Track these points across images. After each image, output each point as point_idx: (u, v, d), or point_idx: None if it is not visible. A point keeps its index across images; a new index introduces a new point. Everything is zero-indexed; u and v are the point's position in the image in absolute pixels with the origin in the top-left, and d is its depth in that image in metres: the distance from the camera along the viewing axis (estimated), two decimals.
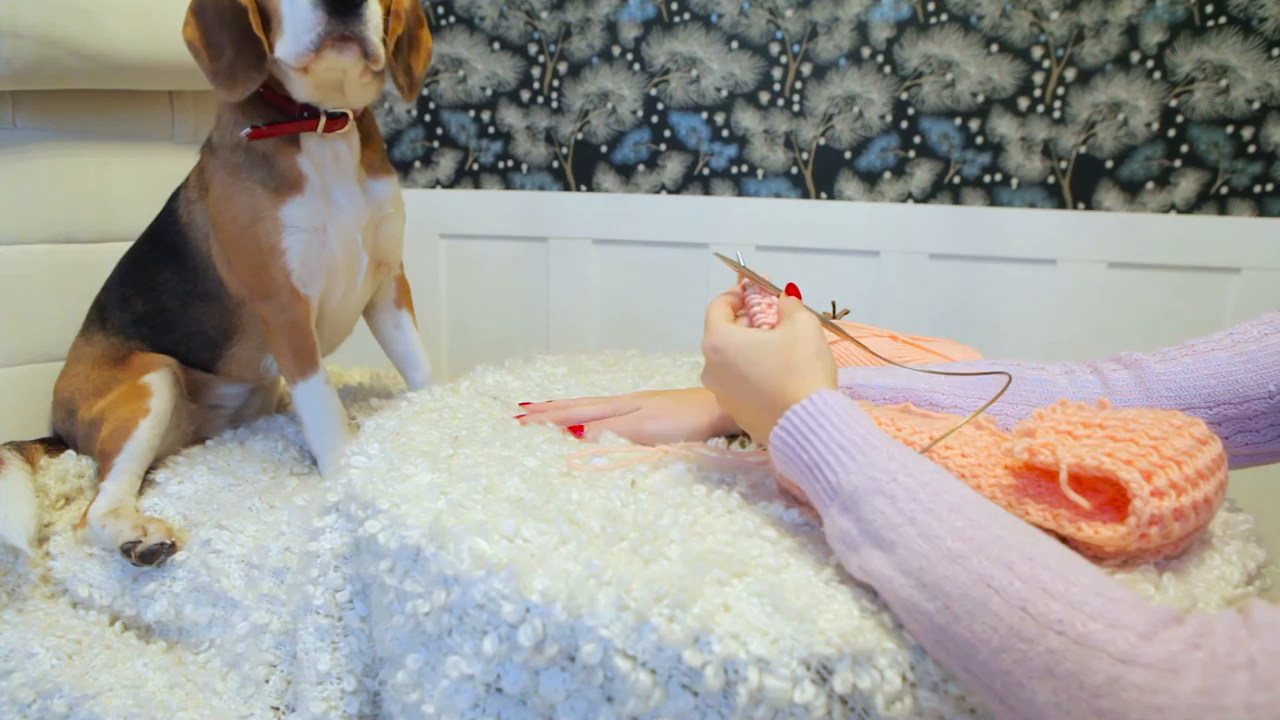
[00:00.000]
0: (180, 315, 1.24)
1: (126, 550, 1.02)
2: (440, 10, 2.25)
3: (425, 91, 2.31)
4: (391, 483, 0.85)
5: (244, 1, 1.04)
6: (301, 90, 1.11)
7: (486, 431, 0.99)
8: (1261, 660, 0.50)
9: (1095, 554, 0.71)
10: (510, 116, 2.27)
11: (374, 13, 1.03)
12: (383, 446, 0.93)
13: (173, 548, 1.03)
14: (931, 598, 0.61)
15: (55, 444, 1.25)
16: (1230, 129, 1.92)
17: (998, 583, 0.58)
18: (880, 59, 2.05)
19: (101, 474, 1.12)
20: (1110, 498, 0.69)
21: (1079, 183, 2.01)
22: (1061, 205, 2.03)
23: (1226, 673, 0.50)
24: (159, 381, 1.18)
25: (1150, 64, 1.93)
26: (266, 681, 0.93)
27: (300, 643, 0.88)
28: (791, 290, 0.89)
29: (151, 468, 1.18)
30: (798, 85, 2.10)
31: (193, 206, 1.20)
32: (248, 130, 1.11)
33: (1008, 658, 0.57)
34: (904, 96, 2.06)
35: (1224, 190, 1.95)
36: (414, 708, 0.76)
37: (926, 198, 2.09)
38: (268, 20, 1.06)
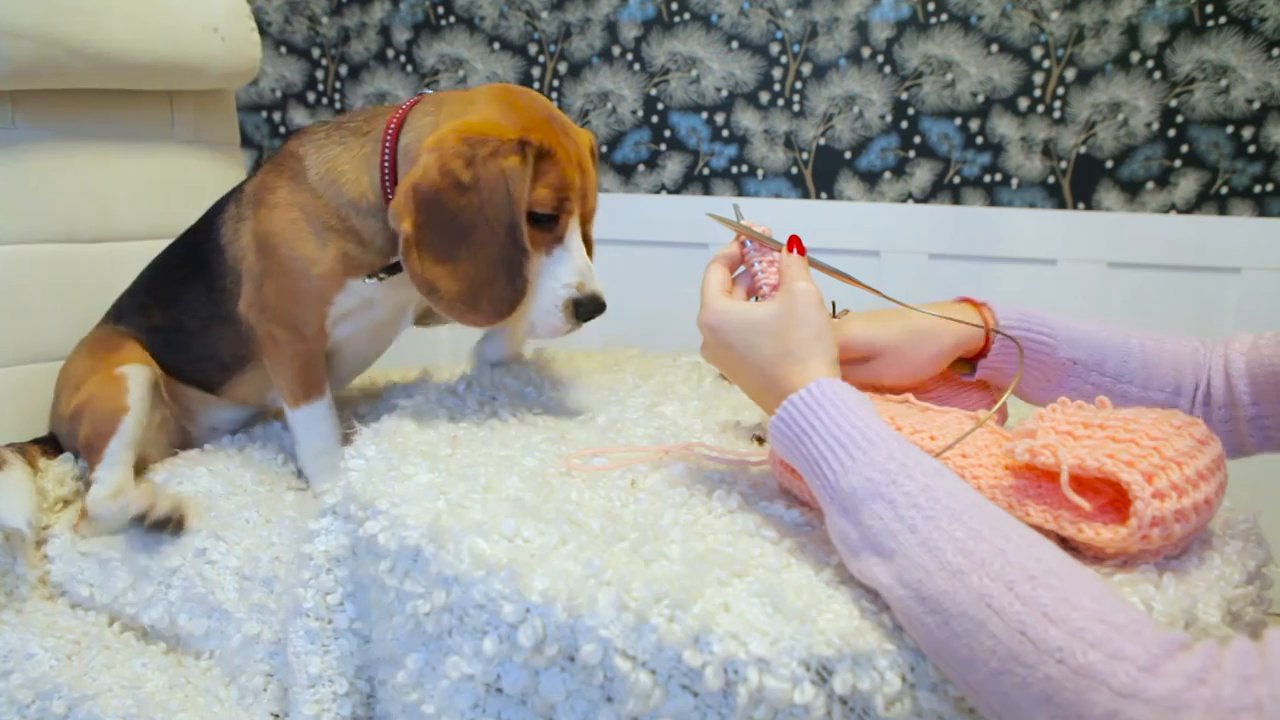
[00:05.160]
0: (198, 336, 1.19)
1: (139, 518, 1.03)
2: (440, 10, 2.25)
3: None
4: (391, 483, 0.85)
5: (525, 244, 0.98)
6: None
7: (485, 431, 0.99)
8: (1269, 705, 0.48)
9: (1096, 554, 0.71)
10: None
11: None
12: (380, 448, 0.93)
13: (181, 521, 1.03)
14: (931, 611, 0.60)
15: (53, 445, 1.25)
16: (1230, 129, 1.92)
17: (997, 603, 0.57)
18: (880, 59, 2.05)
19: (92, 465, 1.11)
20: (1111, 499, 0.69)
21: (1079, 183, 2.01)
22: (1061, 205, 2.03)
23: (1230, 715, 0.48)
24: (135, 374, 1.15)
25: (1150, 64, 1.93)
26: (265, 690, 0.92)
27: (291, 646, 0.87)
28: (793, 242, 0.84)
29: (152, 468, 1.17)
30: (798, 85, 2.10)
31: (241, 225, 1.11)
32: (367, 280, 1.05)
33: (1006, 680, 0.55)
34: (904, 96, 2.06)
35: (1224, 190, 1.95)
36: (414, 708, 0.76)
37: (926, 198, 2.09)
38: None
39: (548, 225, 1.00)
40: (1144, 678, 0.51)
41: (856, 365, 0.93)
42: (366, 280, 1.05)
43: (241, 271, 1.11)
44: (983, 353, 0.93)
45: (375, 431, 0.99)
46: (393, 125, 1.02)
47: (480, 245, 0.97)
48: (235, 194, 1.16)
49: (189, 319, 1.19)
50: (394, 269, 1.05)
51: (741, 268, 0.88)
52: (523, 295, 0.99)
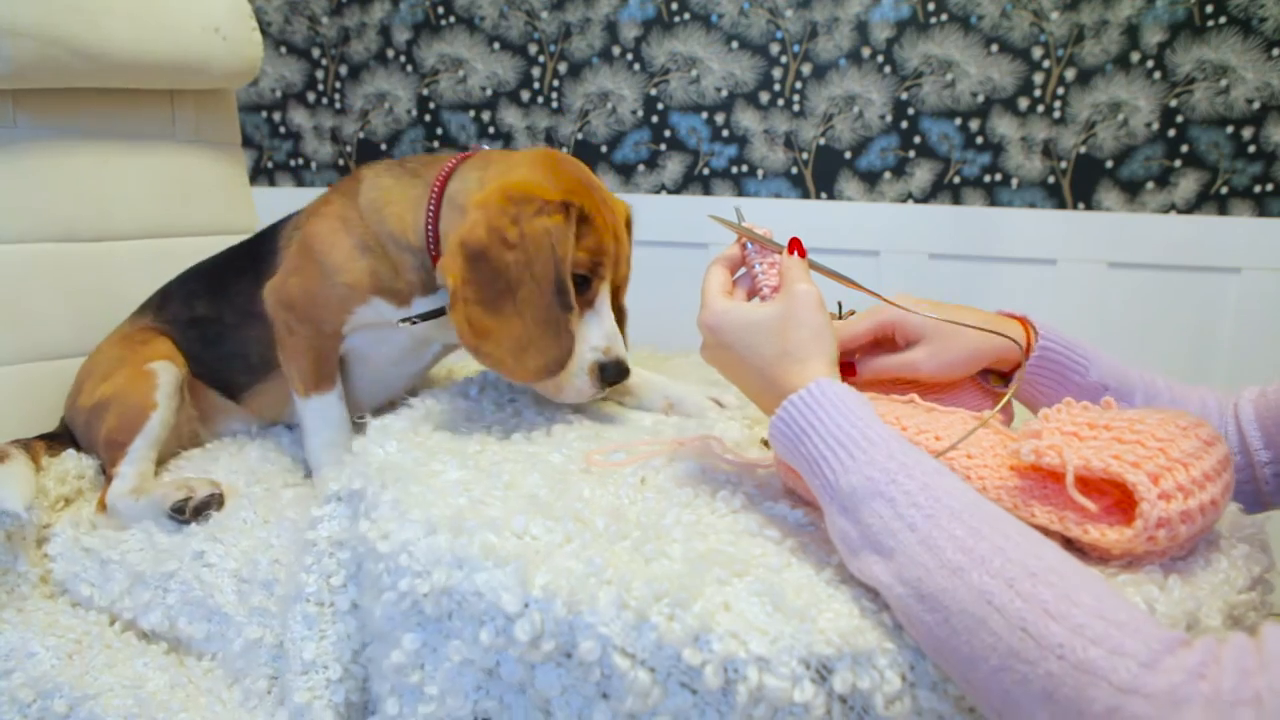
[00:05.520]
0: (233, 332, 1.21)
1: (179, 509, 1.04)
2: (440, 10, 2.25)
3: (425, 91, 2.31)
4: (422, 479, 0.85)
5: (572, 301, 0.99)
6: None
7: (518, 431, 1.00)
8: (1268, 698, 0.48)
9: (1101, 555, 0.70)
10: (510, 116, 2.27)
11: None
12: (401, 444, 0.93)
13: (221, 499, 1.06)
14: (931, 609, 0.60)
15: (57, 441, 1.25)
16: (1230, 129, 1.92)
17: (998, 600, 0.57)
18: (880, 59, 2.05)
19: (114, 460, 1.12)
20: (1117, 499, 0.69)
21: (1079, 183, 2.01)
22: (1061, 205, 2.03)
23: (1230, 709, 0.48)
24: (164, 370, 1.17)
25: (1150, 64, 1.93)
26: (269, 693, 0.92)
27: (288, 631, 0.87)
28: (794, 245, 0.84)
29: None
30: (798, 85, 2.10)
31: (297, 231, 1.15)
32: (402, 321, 1.07)
33: (1007, 678, 0.56)
34: (904, 96, 2.06)
35: (1224, 190, 1.95)
36: (415, 689, 0.75)
37: (926, 198, 2.09)
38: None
39: (580, 289, 1.02)
40: (1144, 673, 0.51)
41: (896, 352, 0.92)
42: (400, 324, 1.08)
43: (279, 255, 1.15)
44: (1019, 366, 0.93)
45: (384, 428, 0.99)
46: (443, 174, 1.06)
47: (526, 302, 0.98)
48: (307, 206, 1.19)
49: (230, 312, 1.21)
50: (429, 316, 1.08)
51: (742, 270, 0.88)
52: (569, 352, 0.99)
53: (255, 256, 1.19)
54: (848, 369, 0.94)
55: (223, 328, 1.22)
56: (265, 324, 1.15)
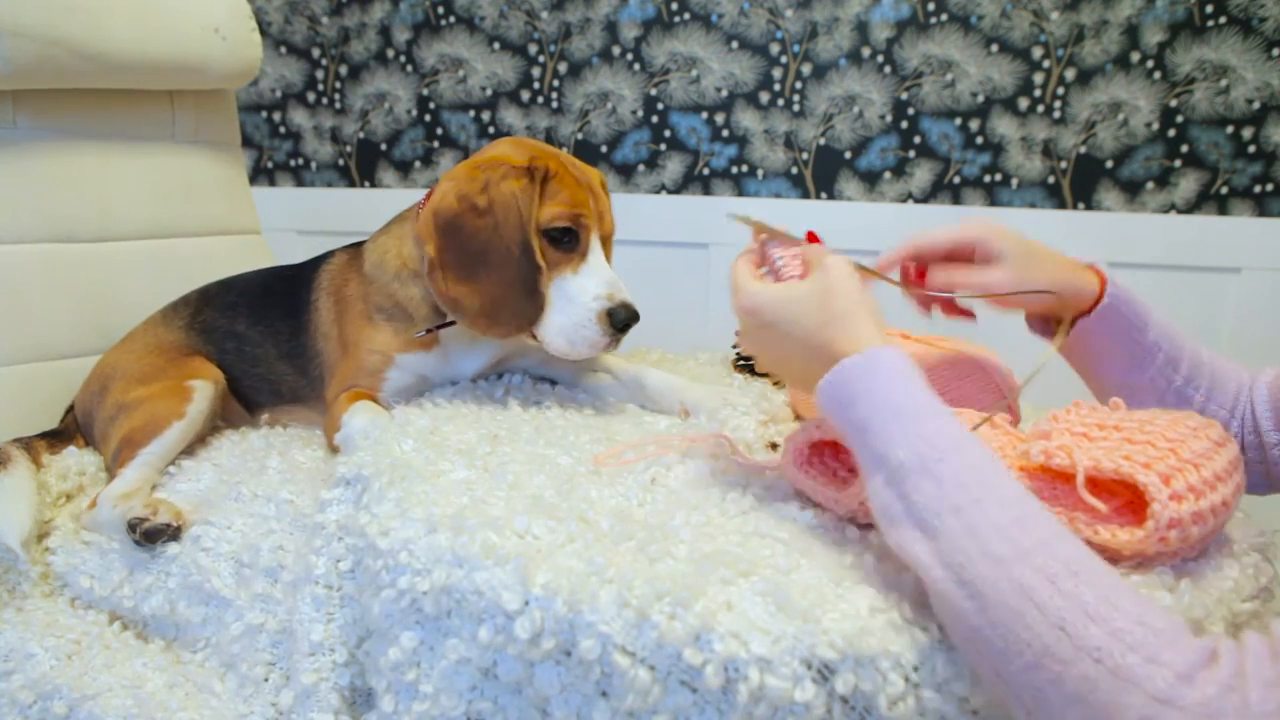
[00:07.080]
0: (270, 364, 1.23)
1: (133, 526, 1.02)
2: (440, 10, 2.25)
3: (425, 91, 2.31)
4: (428, 478, 0.85)
5: (539, 260, 1.01)
6: None
7: (528, 429, 1.00)
8: None
9: (1112, 557, 0.70)
10: (510, 116, 2.26)
11: None
12: (418, 444, 0.93)
13: (177, 531, 1.03)
14: (969, 596, 0.58)
15: (58, 439, 1.24)
16: (1230, 129, 1.92)
17: (1039, 595, 0.56)
18: (880, 59, 2.05)
19: (121, 461, 1.11)
20: (1127, 500, 0.69)
21: (1079, 183, 2.01)
22: (1061, 205, 2.03)
23: None
24: (202, 390, 1.18)
25: (1150, 64, 1.93)
26: (266, 680, 0.92)
27: (296, 613, 0.88)
28: (812, 238, 0.84)
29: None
30: (798, 85, 2.10)
31: (324, 297, 1.20)
32: (422, 333, 1.10)
33: (1040, 675, 0.55)
34: (904, 96, 2.06)
35: (1224, 190, 1.95)
36: (411, 686, 0.75)
37: (926, 198, 2.09)
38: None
39: (569, 244, 1.04)
40: (1180, 685, 0.51)
41: (969, 268, 0.90)
42: (416, 334, 1.10)
43: (320, 343, 1.19)
44: (1086, 313, 0.92)
45: (407, 424, 0.99)
46: (423, 200, 1.09)
47: (498, 264, 1.01)
48: (331, 259, 1.21)
49: (273, 345, 1.23)
50: (442, 325, 1.10)
51: (763, 268, 0.88)
52: (541, 309, 1.03)
53: (293, 304, 1.21)
54: (919, 275, 0.93)
55: (262, 355, 1.24)
56: (300, 371, 1.21)
